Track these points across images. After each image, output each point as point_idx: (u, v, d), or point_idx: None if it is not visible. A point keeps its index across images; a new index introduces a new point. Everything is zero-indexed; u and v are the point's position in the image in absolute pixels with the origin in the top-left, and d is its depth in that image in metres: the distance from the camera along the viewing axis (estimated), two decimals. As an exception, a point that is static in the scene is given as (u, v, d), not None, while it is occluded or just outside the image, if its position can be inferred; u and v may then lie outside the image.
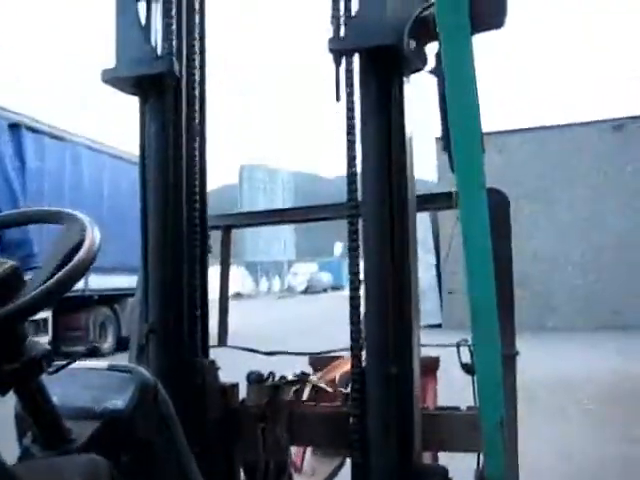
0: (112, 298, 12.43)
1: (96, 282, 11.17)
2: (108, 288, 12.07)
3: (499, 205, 1.77)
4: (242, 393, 1.92)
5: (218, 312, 2.38)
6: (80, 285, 9.58)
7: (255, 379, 1.87)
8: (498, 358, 1.42)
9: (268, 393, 1.86)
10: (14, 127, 10.13)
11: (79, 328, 11.14)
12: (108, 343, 12.31)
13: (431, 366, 2.69)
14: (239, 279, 31.85)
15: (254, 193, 41.57)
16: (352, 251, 1.63)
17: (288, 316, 19.12)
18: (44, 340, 9.94)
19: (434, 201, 2.03)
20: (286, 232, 42.25)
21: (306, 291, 41.22)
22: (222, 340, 2.38)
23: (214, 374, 1.83)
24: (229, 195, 38.91)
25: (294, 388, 1.96)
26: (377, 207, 1.60)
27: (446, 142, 1.49)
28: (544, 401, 5.86)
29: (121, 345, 12.06)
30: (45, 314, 10.17)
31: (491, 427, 1.44)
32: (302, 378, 2.01)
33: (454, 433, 1.79)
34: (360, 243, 1.65)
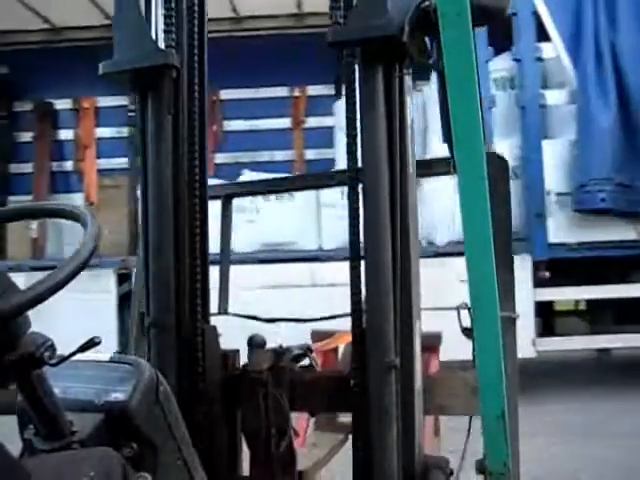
0: None
1: None
2: None
3: (498, 169, 1.79)
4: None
5: (219, 281, 2.40)
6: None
7: (257, 343, 1.85)
8: (499, 348, 1.43)
9: (270, 358, 1.84)
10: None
11: None
12: None
13: (433, 343, 2.74)
14: None
15: None
16: (352, 228, 1.65)
17: None
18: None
19: (432, 167, 2.08)
20: None
21: None
22: (223, 308, 2.40)
23: (215, 340, 1.82)
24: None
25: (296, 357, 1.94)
26: (377, 199, 1.60)
27: (446, 134, 1.49)
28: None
29: None
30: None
31: (492, 419, 1.45)
32: (306, 351, 1.97)
33: (453, 396, 1.81)
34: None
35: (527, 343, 5.34)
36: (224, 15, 6.99)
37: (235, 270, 2.48)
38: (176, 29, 1.75)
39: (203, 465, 1.44)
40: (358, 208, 1.66)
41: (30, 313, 1.12)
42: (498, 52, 5.71)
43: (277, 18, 7.35)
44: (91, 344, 1.20)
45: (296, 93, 7.58)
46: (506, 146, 5.50)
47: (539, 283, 5.57)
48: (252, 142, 7.17)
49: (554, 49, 5.63)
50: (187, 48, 1.79)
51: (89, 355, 1.26)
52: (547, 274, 5.67)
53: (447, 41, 1.39)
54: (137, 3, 1.72)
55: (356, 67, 1.64)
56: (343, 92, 1.70)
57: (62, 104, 7.47)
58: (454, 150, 1.44)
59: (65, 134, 7.60)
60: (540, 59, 5.67)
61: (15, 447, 1.22)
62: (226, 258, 2.45)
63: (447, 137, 1.50)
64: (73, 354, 1.21)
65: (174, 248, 1.76)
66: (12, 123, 7.52)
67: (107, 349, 1.38)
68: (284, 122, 7.55)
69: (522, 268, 5.32)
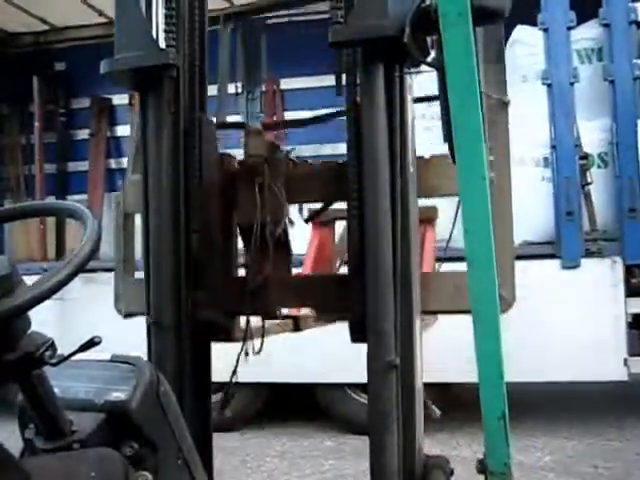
0: None
1: None
2: None
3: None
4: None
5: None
6: None
7: (254, 130, 1.83)
8: (500, 355, 1.43)
9: (267, 147, 1.82)
10: None
11: None
12: None
13: (428, 216, 2.69)
14: None
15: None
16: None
17: None
18: None
19: None
20: None
21: None
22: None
23: (212, 134, 1.83)
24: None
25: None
26: (377, 197, 1.60)
27: (447, 133, 1.49)
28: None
29: None
30: None
31: (492, 420, 1.45)
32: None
33: (445, 178, 1.83)
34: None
35: (617, 364, 4.24)
36: (283, -1, 6.62)
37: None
38: (176, 28, 1.75)
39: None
40: (360, 208, 1.66)
41: None
42: (583, 19, 4.72)
43: (340, 0, 6.88)
44: (91, 344, 1.19)
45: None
46: (592, 128, 4.59)
47: (633, 291, 4.46)
48: (315, 134, 6.80)
49: (653, 10, 4.44)
50: (187, 47, 1.80)
51: (90, 354, 1.26)
52: (643, 281, 4.53)
53: (448, 41, 1.39)
54: (138, 3, 1.73)
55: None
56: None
57: (119, 99, 6.99)
58: (454, 149, 1.43)
59: (122, 130, 7.16)
60: (635, 23, 4.52)
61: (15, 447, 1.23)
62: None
63: (447, 136, 1.50)
64: (73, 354, 1.21)
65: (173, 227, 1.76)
66: (70, 120, 7.22)
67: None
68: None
69: (612, 273, 4.38)
